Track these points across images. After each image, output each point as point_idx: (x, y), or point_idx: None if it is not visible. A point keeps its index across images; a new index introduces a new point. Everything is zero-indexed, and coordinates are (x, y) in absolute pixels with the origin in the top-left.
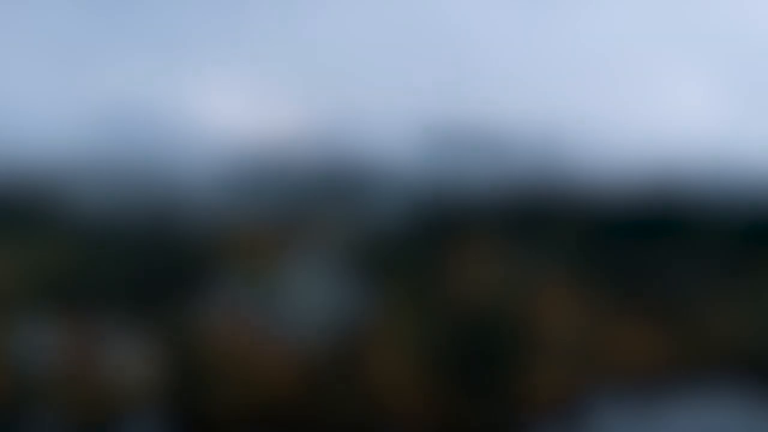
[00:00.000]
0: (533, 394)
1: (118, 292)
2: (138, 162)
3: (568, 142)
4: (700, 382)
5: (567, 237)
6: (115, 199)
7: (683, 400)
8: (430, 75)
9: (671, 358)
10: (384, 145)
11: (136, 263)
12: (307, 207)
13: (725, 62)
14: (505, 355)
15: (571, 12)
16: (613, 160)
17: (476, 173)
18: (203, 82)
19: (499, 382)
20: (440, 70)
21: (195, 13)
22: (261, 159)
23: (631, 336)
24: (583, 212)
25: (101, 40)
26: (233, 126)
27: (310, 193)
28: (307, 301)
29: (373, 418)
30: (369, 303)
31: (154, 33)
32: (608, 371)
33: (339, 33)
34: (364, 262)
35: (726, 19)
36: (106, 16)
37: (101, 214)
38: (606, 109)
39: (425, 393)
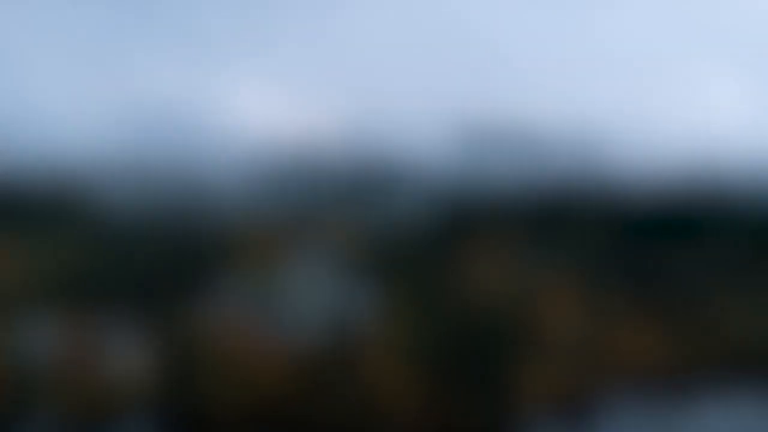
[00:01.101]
0: (538, 394)
1: (123, 290)
2: (163, 162)
3: (596, 142)
4: (714, 383)
5: (586, 237)
6: (136, 199)
7: (694, 400)
8: (459, 75)
9: (684, 358)
10: (412, 146)
11: (144, 262)
12: (328, 207)
13: (756, 60)
14: (509, 356)
15: (602, 10)
16: (641, 159)
17: (503, 173)
18: (231, 82)
19: (503, 383)
20: (469, 70)
21: (224, 12)
22: (288, 159)
23: (644, 337)
24: (606, 212)
25: (129, 38)
26: (261, 126)
27: (334, 193)
28: (312, 302)
29: (372, 418)
30: (374, 304)
31: (184, 32)
32: (620, 372)
33: (367, 33)
34: (374, 263)
35: (757, 17)
36: (134, 15)
37: (120, 213)
38: (636, 108)
39: (426, 394)
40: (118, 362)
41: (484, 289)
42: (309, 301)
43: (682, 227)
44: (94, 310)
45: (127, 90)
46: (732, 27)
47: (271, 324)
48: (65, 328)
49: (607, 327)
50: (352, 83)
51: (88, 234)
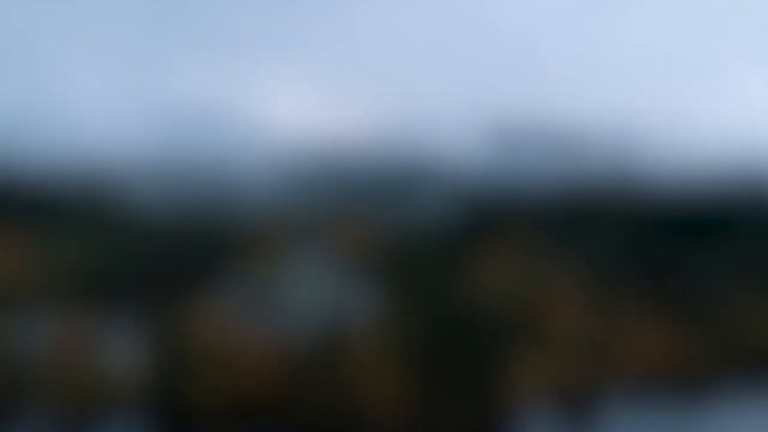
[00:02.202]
0: (550, 393)
1: (129, 287)
2: (192, 160)
3: (629, 142)
4: (731, 381)
5: (611, 236)
6: (160, 197)
7: (715, 399)
8: (490, 74)
9: (704, 358)
10: (442, 145)
11: (153, 260)
12: (349, 207)
13: None
14: (518, 354)
15: (636, 10)
16: (672, 159)
17: (532, 172)
18: (262, 83)
19: (498, 381)
20: (500, 70)
21: (258, 13)
22: (317, 158)
23: (665, 336)
24: (632, 212)
25: (162, 39)
26: (291, 125)
27: (359, 192)
28: (319, 300)
29: (371, 418)
30: (383, 303)
31: (218, 33)
32: (642, 372)
33: (398, 32)
34: (386, 262)
35: None
36: (169, 16)
37: (141, 212)
38: (670, 107)
39: (432, 395)
40: (120, 358)
41: (498, 289)
42: (316, 300)
43: (708, 227)
44: (100, 306)
45: (159, 90)
46: None
47: (275, 322)
48: (71, 324)
49: (630, 326)
50: (382, 83)
51: (103, 231)
